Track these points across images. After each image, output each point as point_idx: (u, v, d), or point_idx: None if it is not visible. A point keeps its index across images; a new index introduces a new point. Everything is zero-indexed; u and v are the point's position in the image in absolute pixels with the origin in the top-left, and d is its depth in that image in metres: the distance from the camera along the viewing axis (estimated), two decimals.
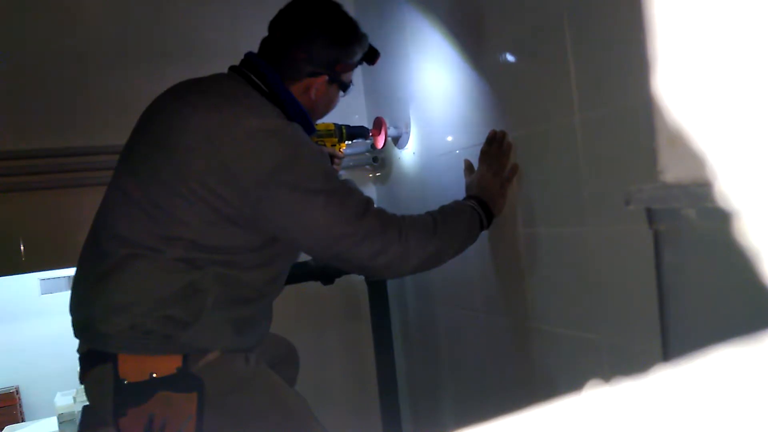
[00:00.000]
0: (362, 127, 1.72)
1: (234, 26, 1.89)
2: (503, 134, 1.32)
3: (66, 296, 1.22)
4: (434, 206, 1.29)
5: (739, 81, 0.41)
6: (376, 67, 1.42)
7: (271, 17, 1.27)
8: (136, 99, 1.29)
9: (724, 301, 0.48)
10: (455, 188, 1.44)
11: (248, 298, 1.19)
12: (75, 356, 1.20)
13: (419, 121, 1.72)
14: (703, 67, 0.44)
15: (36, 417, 1.93)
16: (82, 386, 1.20)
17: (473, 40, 1.41)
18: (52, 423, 1.77)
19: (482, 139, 1.37)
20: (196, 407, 1.11)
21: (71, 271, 1.35)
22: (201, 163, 1.09)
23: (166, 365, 1.10)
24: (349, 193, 1.16)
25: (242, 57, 1.27)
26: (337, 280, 1.78)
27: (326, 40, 1.23)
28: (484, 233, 1.33)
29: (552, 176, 1.20)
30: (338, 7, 1.26)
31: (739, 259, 0.40)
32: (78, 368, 1.20)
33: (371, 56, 1.33)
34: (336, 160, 1.52)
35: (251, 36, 1.33)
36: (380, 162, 2.00)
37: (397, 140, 1.83)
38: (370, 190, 2.07)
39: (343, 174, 1.92)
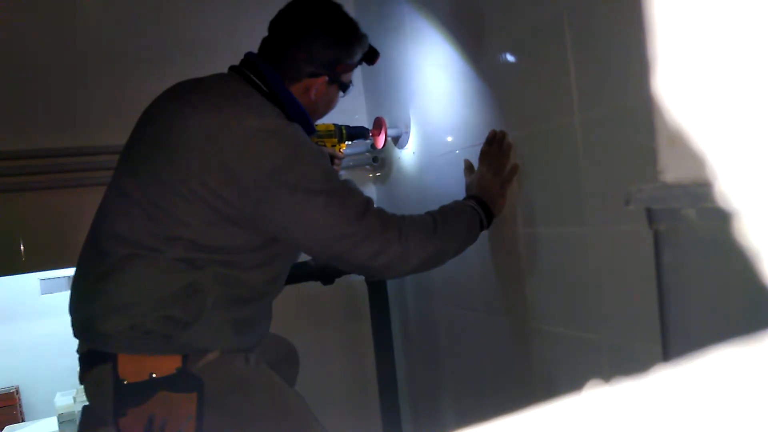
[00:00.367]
0: (362, 127, 1.71)
1: (234, 26, 1.89)
2: (503, 134, 1.32)
3: (66, 296, 1.22)
4: (434, 206, 1.29)
5: (739, 81, 0.41)
6: (376, 67, 1.42)
7: (271, 17, 1.27)
8: (136, 99, 1.29)
9: (724, 301, 0.48)
10: (455, 188, 1.44)
11: (248, 298, 1.19)
12: (75, 356, 1.20)
13: (419, 121, 1.72)
14: (703, 67, 0.44)
15: (36, 417, 1.93)
16: (82, 386, 1.20)
17: (473, 40, 1.41)
18: (52, 423, 1.77)
19: (482, 139, 1.37)
20: (196, 407, 1.11)
21: (71, 271, 1.35)
22: (201, 163, 1.09)
23: (166, 365, 1.10)
24: (349, 193, 1.16)
25: (242, 57, 1.27)
26: (337, 280, 1.78)
27: (326, 40, 1.23)
28: (484, 233, 1.33)
29: (552, 176, 1.20)
30: (338, 8, 1.26)
31: (739, 259, 0.40)
32: (78, 368, 1.20)
33: (371, 56, 1.33)
34: (336, 161, 1.52)
35: (251, 36, 1.33)
36: (380, 162, 2.00)
37: (397, 140, 1.83)
38: (370, 190, 2.07)
39: (343, 174, 1.92)
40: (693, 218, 0.47)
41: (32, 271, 1.83)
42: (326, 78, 1.26)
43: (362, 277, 1.90)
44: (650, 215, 0.52)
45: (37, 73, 1.74)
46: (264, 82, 1.21)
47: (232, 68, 1.26)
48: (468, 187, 1.37)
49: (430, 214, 1.25)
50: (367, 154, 2.03)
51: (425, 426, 1.95)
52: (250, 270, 1.17)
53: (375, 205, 1.19)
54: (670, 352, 0.53)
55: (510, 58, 1.29)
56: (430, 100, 1.64)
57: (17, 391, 1.94)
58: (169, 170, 1.11)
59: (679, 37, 0.45)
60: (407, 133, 1.78)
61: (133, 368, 1.10)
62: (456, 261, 1.29)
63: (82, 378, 1.19)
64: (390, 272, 1.22)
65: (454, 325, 1.68)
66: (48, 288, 2.00)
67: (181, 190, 1.09)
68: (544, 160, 1.22)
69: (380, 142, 1.80)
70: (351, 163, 2.00)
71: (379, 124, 1.80)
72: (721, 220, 0.41)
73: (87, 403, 1.24)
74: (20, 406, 1.94)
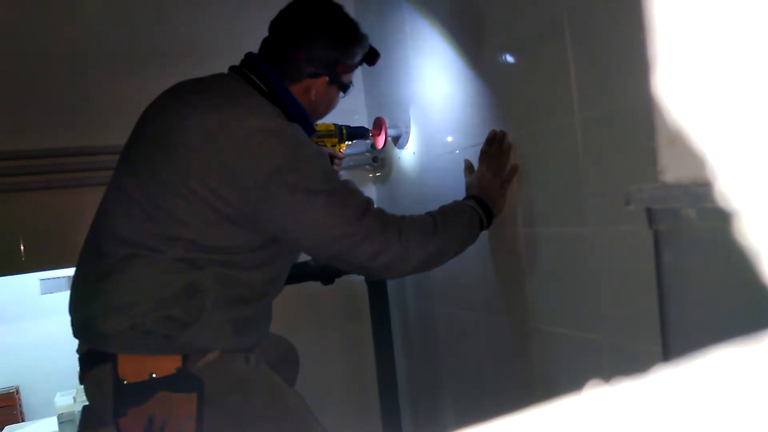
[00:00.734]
0: (362, 127, 1.72)
1: (234, 26, 1.89)
2: (503, 134, 1.32)
3: (66, 296, 1.22)
4: (434, 206, 1.29)
5: (739, 81, 0.41)
6: (376, 68, 1.42)
7: (271, 17, 1.27)
8: (135, 99, 1.29)
9: (724, 301, 0.48)
10: (455, 188, 1.44)
11: (248, 298, 1.19)
12: (75, 356, 1.20)
13: (419, 121, 1.72)
14: (703, 67, 0.44)
15: (36, 417, 1.93)
16: (82, 386, 1.20)
17: (473, 40, 1.41)
18: (52, 423, 1.77)
19: (482, 139, 1.37)
20: (196, 407, 1.11)
21: (71, 271, 1.35)
22: (201, 163, 1.09)
23: (166, 365, 1.10)
24: (349, 193, 1.16)
25: (242, 57, 1.27)
26: (337, 280, 1.78)
27: (327, 41, 1.23)
28: (484, 233, 1.33)
29: (552, 176, 1.20)
30: (339, 8, 1.26)
31: (739, 259, 0.40)
32: (78, 368, 1.20)
33: (371, 57, 1.33)
34: (336, 161, 1.52)
35: (251, 36, 1.33)
36: (380, 162, 2.00)
37: (397, 140, 1.83)
38: (370, 190, 2.07)
39: (343, 174, 1.92)
40: (693, 218, 0.47)
41: (32, 271, 1.83)
42: (326, 78, 1.26)
43: (362, 277, 1.90)
44: (650, 215, 0.52)
45: (37, 73, 1.74)
46: (264, 82, 1.21)
47: (232, 68, 1.26)
48: (468, 187, 1.37)
49: (430, 214, 1.25)
50: (367, 154, 2.03)
51: (425, 426, 1.95)
52: (250, 270, 1.17)
53: (375, 206, 1.19)
54: (670, 352, 0.53)
55: (510, 58, 1.29)
56: (430, 100, 1.64)
57: (17, 391, 1.94)
58: (169, 170, 1.11)
59: (679, 37, 0.45)
60: (407, 133, 1.78)
61: (133, 368, 1.10)
62: (456, 261, 1.29)
63: (82, 378, 1.19)
64: (390, 272, 1.22)
65: (454, 325, 1.68)
66: (48, 288, 2.00)
67: (181, 190, 1.09)
68: (544, 160, 1.22)
69: (380, 142, 1.80)
70: (351, 163, 2.00)
71: (379, 124, 1.80)
72: (721, 220, 0.41)
73: (87, 403, 1.24)
74: (20, 406, 1.94)
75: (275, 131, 1.12)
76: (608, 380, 0.29)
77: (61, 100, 1.76)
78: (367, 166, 2.04)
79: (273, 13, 1.26)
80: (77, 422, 1.52)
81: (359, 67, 1.34)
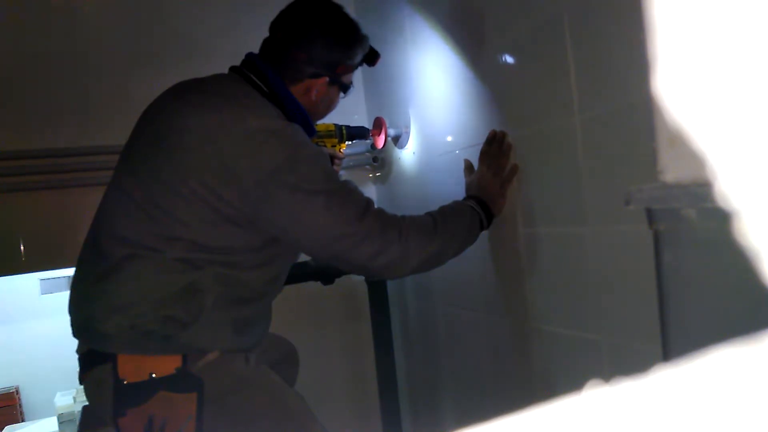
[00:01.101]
0: (362, 127, 1.72)
1: (234, 26, 1.89)
2: (503, 134, 1.32)
3: (66, 296, 1.22)
4: (434, 206, 1.29)
5: (739, 81, 0.41)
6: (377, 68, 1.42)
7: (271, 18, 1.27)
8: (135, 99, 1.29)
9: (724, 301, 0.48)
10: (455, 188, 1.44)
11: (248, 298, 1.19)
12: (75, 356, 1.20)
13: (419, 121, 1.72)
14: (703, 67, 0.44)
15: (36, 417, 1.93)
16: (82, 386, 1.20)
17: (473, 40, 1.41)
18: (52, 423, 1.77)
19: (482, 139, 1.37)
20: (196, 407, 1.11)
21: (71, 271, 1.35)
22: (201, 163, 1.09)
23: (166, 365, 1.10)
24: (349, 193, 1.16)
25: (243, 57, 1.27)
26: (337, 280, 1.78)
27: (327, 41, 1.23)
28: (484, 233, 1.33)
29: (552, 176, 1.20)
30: (339, 9, 1.26)
31: (739, 259, 0.40)
32: (78, 368, 1.20)
33: (372, 58, 1.33)
34: (336, 161, 1.52)
35: (251, 36, 1.33)
36: (380, 162, 2.00)
37: (397, 140, 1.83)
38: (370, 190, 2.07)
39: (343, 174, 1.92)
40: (693, 218, 0.47)
41: (32, 271, 1.83)
42: (327, 79, 1.26)
43: (362, 277, 1.90)
44: (650, 215, 0.52)
45: (37, 73, 1.74)
46: (265, 82, 1.21)
47: (232, 68, 1.26)
48: (468, 187, 1.37)
49: (430, 214, 1.25)
50: (367, 154, 2.03)
51: (425, 426, 1.95)
52: (250, 270, 1.17)
53: (375, 206, 1.19)
54: (670, 352, 0.53)
55: (510, 58, 1.29)
56: (430, 100, 1.64)
57: (17, 391, 1.94)
58: (169, 170, 1.11)
59: (679, 37, 0.45)
60: (407, 133, 1.78)
61: (133, 368, 1.10)
62: (456, 261, 1.29)
63: (82, 378, 1.19)
64: (390, 272, 1.22)
65: (454, 325, 1.68)
66: (48, 288, 2.00)
67: (182, 190, 1.09)
68: (544, 160, 1.22)
69: (380, 142, 1.80)
70: (351, 163, 2.00)
71: (379, 124, 1.80)
72: (721, 220, 0.41)
73: (87, 403, 1.24)
74: (20, 406, 1.94)
75: (275, 131, 1.12)
76: (608, 380, 0.29)
77: (61, 100, 1.76)
78: (367, 166, 2.04)
79: (273, 14, 1.26)
80: (77, 422, 1.52)
81: (359, 68, 1.34)
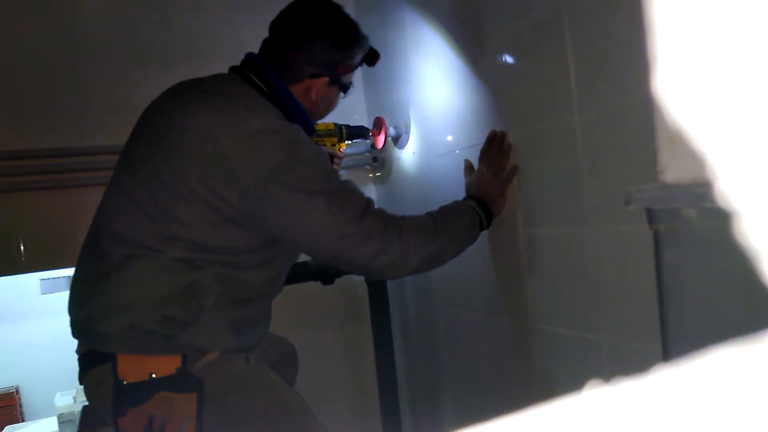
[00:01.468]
0: (362, 127, 1.72)
1: (234, 26, 1.89)
2: (503, 134, 1.32)
3: (66, 296, 1.22)
4: (434, 206, 1.29)
5: (739, 81, 0.41)
6: (377, 68, 1.42)
7: (272, 18, 1.27)
8: (136, 99, 1.29)
9: (724, 301, 0.48)
10: (455, 188, 1.44)
11: (248, 298, 1.19)
12: (75, 356, 1.20)
13: (419, 121, 1.72)
14: (703, 67, 0.44)
15: (36, 417, 1.93)
16: (82, 386, 1.20)
17: (473, 40, 1.41)
18: (52, 423, 1.77)
19: (482, 139, 1.36)
20: (196, 407, 1.11)
21: (71, 271, 1.35)
22: (201, 163, 1.09)
23: (166, 365, 1.10)
24: (349, 193, 1.16)
25: (243, 57, 1.27)
26: (337, 280, 1.78)
27: (327, 41, 1.23)
28: (484, 233, 1.33)
29: (552, 176, 1.20)
30: (339, 9, 1.26)
31: (739, 259, 0.40)
32: (78, 368, 1.20)
33: (371, 58, 1.33)
34: (336, 160, 1.52)
35: (251, 36, 1.33)
36: (380, 162, 2.00)
37: (397, 140, 1.83)
38: (370, 190, 2.07)
39: (343, 174, 1.92)
40: (693, 218, 0.47)
41: (32, 271, 1.83)
42: (327, 79, 1.26)
43: (362, 277, 1.90)
44: (650, 215, 0.52)
45: (37, 73, 1.74)
46: (265, 82, 1.21)
47: (232, 68, 1.26)
48: (468, 187, 1.37)
49: (430, 214, 1.25)
50: (367, 154, 2.03)
51: (425, 426, 1.95)
52: (250, 270, 1.17)
53: (375, 206, 1.19)
54: (670, 352, 0.53)
55: (510, 58, 1.29)
56: (430, 100, 1.64)
57: (17, 391, 1.94)
58: (169, 170, 1.11)
59: (679, 37, 0.45)
60: (407, 133, 1.78)
61: (133, 368, 1.10)
62: (456, 261, 1.29)
63: (82, 378, 1.19)
64: (390, 272, 1.22)
65: (454, 325, 1.68)
66: (48, 288, 2.00)
67: (182, 190, 1.09)
68: (544, 160, 1.22)
69: (380, 142, 1.80)
70: (351, 163, 2.00)
71: (379, 124, 1.80)
72: (721, 220, 0.41)
73: (87, 403, 1.24)
74: (20, 406, 1.94)
75: (276, 131, 1.12)
76: (608, 380, 0.29)
77: (61, 100, 1.76)
78: (367, 166, 2.04)
79: (273, 14, 1.26)
80: (77, 422, 1.52)
81: (359, 67, 1.34)
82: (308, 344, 1.76)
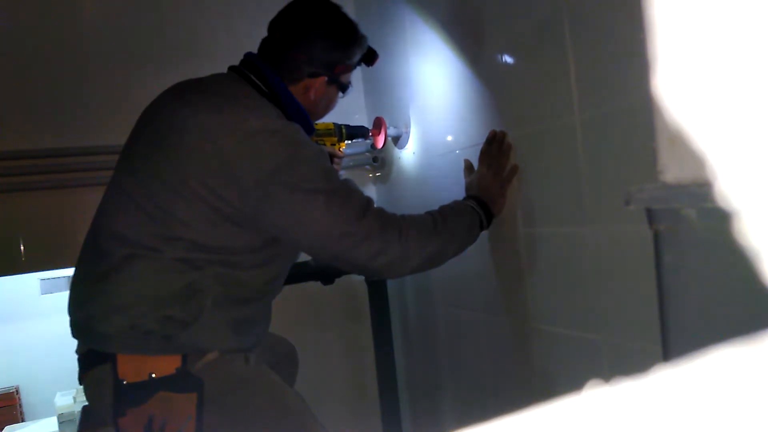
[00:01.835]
0: (362, 126, 1.72)
1: (234, 26, 1.89)
2: (503, 134, 1.32)
3: (66, 296, 1.22)
4: (434, 206, 1.29)
5: (739, 81, 0.41)
6: (376, 67, 1.42)
7: (270, 18, 1.27)
8: (135, 99, 1.29)
9: (724, 301, 0.48)
10: (455, 188, 1.44)
11: (248, 298, 1.19)
12: (75, 356, 1.20)
13: (419, 121, 1.72)
14: (703, 67, 0.44)
15: (36, 417, 1.93)
16: (82, 386, 1.20)
17: (473, 40, 1.41)
18: (52, 423, 1.77)
19: (482, 139, 1.36)
20: (196, 407, 1.11)
21: (71, 271, 1.35)
22: (201, 163, 1.09)
23: (166, 365, 1.10)
24: (349, 193, 1.16)
25: (242, 57, 1.27)
26: (337, 280, 1.78)
27: (326, 41, 1.24)
28: (484, 233, 1.33)
29: (552, 176, 1.20)
30: (338, 9, 1.26)
31: (739, 259, 0.40)
32: (78, 368, 1.20)
33: (370, 57, 1.33)
34: (336, 160, 1.52)
35: (251, 36, 1.33)
36: (380, 162, 2.00)
37: (397, 140, 1.83)
38: (370, 190, 2.07)
39: (343, 174, 1.92)
40: (693, 218, 0.47)
41: (32, 271, 1.83)
42: (325, 78, 1.26)
43: (362, 277, 1.90)
44: (650, 215, 0.52)
45: (37, 73, 1.74)
46: (264, 82, 1.21)
47: (231, 68, 1.26)
48: (468, 187, 1.37)
49: (430, 213, 1.25)
50: (367, 154, 2.03)
51: (425, 426, 1.95)
52: (250, 270, 1.17)
53: (375, 205, 1.19)
54: (670, 352, 0.53)
55: (510, 58, 1.29)
56: (430, 100, 1.64)
57: (17, 391, 1.94)
58: (169, 170, 1.11)
59: (679, 37, 0.45)
60: (407, 133, 1.78)
61: (133, 368, 1.10)
62: (456, 261, 1.29)
63: (82, 378, 1.19)
64: (390, 272, 1.22)
65: (454, 325, 1.68)
66: (48, 288, 2.00)
67: (182, 190, 1.09)
68: (544, 160, 1.22)
69: (380, 142, 1.80)
70: (351, 163, 2.00)
71: (379, 124, 1.80)
72: (721, 220, 0.41)
73: (87, 403, 1.24)
74: (20, 406, 1.94)
75: (275, 131, 1.12)
76: (608, 380, 0.29)
77: (61, 100, 1.76)
78: (367, 166, 2.04)
79: (272, 14, 1.26)
80: (77, 422, 1.52)
81: (359, 67, 1.34)
82: (308, 344, 1.76)
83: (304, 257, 1.36)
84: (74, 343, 1.20)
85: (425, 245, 1.19)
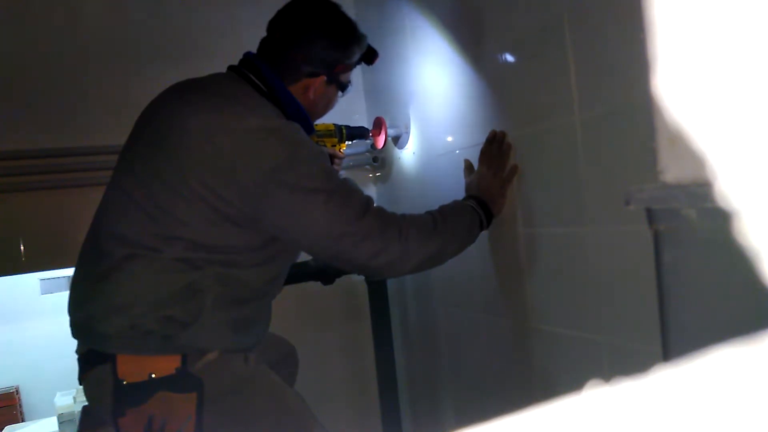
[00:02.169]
0: (362, 127, 1.72)
1: (233, 26, 1.89)
2: (503, 134, 1.32)
3: (66, 296, 1.22)
4: (434, 206, 1.29)
5: (739, 81, 0.41)
6: (376, 67, 1.42)
7: (270, 17, 1.27)
8: (135, 99, 1.29)
9: (724, 301, 0.48)
10: (455, 188, 1.44)
11: (248, 298, 1.19)
12: (75, 356, 1.20)
13: (419, 121, 1.72)
14: (703, 67, 0.44)
15: (36, 417, 1.93)
16: (82, 386, 1.20)
17: (473, 39, 1.41)
18: (52, 423, 1.77)
19: (482, 139, 1.36)
20: (196, 407, 1.11)
21: (71, 271, 1.35)
22: (201, 162, 1.09)
23: (165, 365, 1.10)
24: (349, 192, 1.16)
25: (241, 57, 1.27)
26: (337, 280, 1.78)
27: (325, 41, 1.23)
28: (484, 233, 1.33)
29: (552, 176, 1.20)
30: (337, 8, 1.26)
31: (739, 259, 0.40)
32: (77, 368, 1.20)
33: (369, 57, 1.33)
34: (336, 161, 1.52)
35: (251, 36, 1.33)
36: (380, 162, 2.00)
37: (397, 140, 1.83)
38: (370, 190, 2.07)
39: (343, 174, 1.92)
40: (693, 218, 0.47)
41: (32, 271, 1.83)
42: (325, 78, 1.26)
43: (362, 277, 1.90)
44: (650, 215, 0.52)
45: (37, 73, 1.74)
46: (263, 82, 1.21)
47: (231, 68, 1.26)
48: (468, 187, 1.37)
49: (430, 213, 1.25)
50: (367, 154, 2.03)
51: (425, 426, 1.95)
52: (250, 270, 1.17)
53: (375, 205, 1.19)
54: (670, 352, 0.53)
55: (510, 57, 1.29)
56: (430, 100, 1.64)
57: (17, 391, 1.94)
58: (169, 170, 1.11)
59: (679, 37, 0.45)
60: (407, 133, 1.78)
61: (133, 368, 1.10)
62: (456, 261, 1.29)
63: (82, 378, 1.19)
64: (390, 272, 1.22)
65: (454, 325, 1.68)
66: (48, 288, 2.00)
67: (181, 190, 1.09)
68: (544, 160, 1.22)
69: (380, 142, 1.80)
70: (351, 163, 2.00)
71: (379, 124, 1.80)
72: (721, 220, 0.41)
73: (87, 403, 1.24)
74: (20, 406, 1.94)
75: (275, 131, 1.12)
76: (608, 380, 0.29)
77: (61, 100, 1.76)
78: (367, 166, 2.04)
79: (272, 13, 1.26)
80: (77, 422, 1.52)
81: (359, 67, 1.34)
82: (308, 344, 1.76)
83: (304, 257, 1.36)
84: (74, 343, 1.20)
85: (425, 245, 1.19)
